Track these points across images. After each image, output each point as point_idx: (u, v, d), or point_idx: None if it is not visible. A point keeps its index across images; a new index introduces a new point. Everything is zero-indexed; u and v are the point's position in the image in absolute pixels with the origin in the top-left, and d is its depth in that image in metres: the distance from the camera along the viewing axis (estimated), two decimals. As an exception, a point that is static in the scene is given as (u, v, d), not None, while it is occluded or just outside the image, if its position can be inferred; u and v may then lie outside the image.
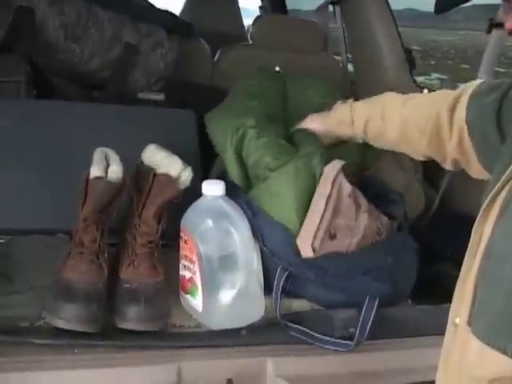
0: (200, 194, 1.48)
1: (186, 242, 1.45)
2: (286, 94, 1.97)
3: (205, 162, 1.89)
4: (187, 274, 1.46)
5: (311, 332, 1.43)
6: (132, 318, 1.37)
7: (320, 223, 1.49)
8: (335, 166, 1.54)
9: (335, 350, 1.41)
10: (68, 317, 1.32)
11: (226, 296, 1.43)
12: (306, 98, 1.95)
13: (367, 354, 1.42)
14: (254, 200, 1.59)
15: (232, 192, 1.54)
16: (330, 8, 3.06)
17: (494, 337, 0.90)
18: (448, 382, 1.01)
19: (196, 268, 1.43)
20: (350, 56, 3.08)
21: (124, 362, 1.33)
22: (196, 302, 1.45)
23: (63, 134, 1.83)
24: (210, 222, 1.44)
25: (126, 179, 1.48)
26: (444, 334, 1.07)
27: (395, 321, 1.50)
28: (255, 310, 1.47)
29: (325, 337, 1.42)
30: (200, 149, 1.93)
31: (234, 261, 1.43)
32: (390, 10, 2.79)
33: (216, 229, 1.44)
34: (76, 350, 1.33)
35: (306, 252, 1.48)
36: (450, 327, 1.04)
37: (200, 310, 1.45)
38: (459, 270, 1.72)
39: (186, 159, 1.55)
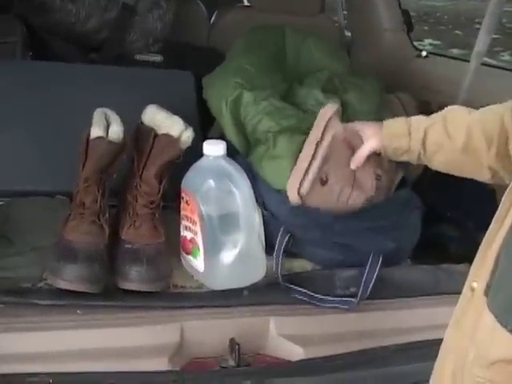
0: (200, 155, 1.48)
1: (187, 202, 1.45)
2: (286, 45, 1.95)
3: (202, 123, 1.88)
4: (188, 235, 1.46)
5: (313, 293, 1.43)
6: (134, 278, 1.37)
7: (308, 169, 1.47)
8: (329, 109, 1.51)
9: (339, 308, 1.41)
10: (70, 277, 1.32)
11: (228, 256, 1.43)
12: (306, 49, 1.93)
13: (368, 313, 1.43)
14: (253, 164, 1.59)
15: (231, 155, 1.53)
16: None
17: (508, 317, 0.87)
18: (459, 341, 0.98)
19: (197, 228, 1.43)
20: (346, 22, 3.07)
21: (126, 323, 1.33)
22: (197, 262, 1.45)
23: (61, 95, 1.82)
24: (211, 182, 1.43)
25: (126, 139, 1.47)
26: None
27: (396, 281, 1.50)
28: (257, 270, 1.47)
29: (326, 297, 1.42)
30: (198, 110, 1.92)
31: (236, 221, 1.43)
32: (388, -28, 2.78)
33: (217, 189, 1.43)
34: (78, 311, 1.33)
35: (293, 198, 1.47)
36: (466, 291, 1.00)
37: (201, 271, 1.45)
38: (458, 231, 1.73)
39: (185, 120, 1.54)
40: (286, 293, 1.44)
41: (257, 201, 1.52)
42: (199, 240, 1.43)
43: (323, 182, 1.49)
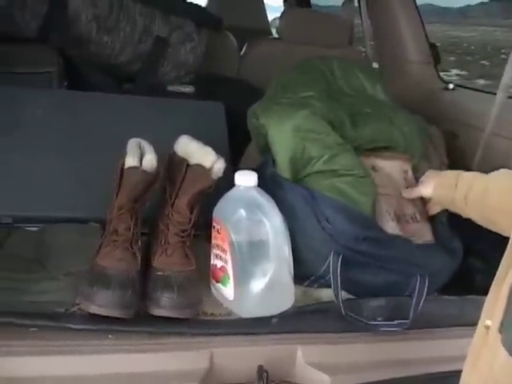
0: (231, 185, 1.50)
1: (218, 231, 1.48)
2: (336, 77, 1.98)
3: (233, 153, 1.91)
4: (219, 263, 1.49)
5: (366, 320, 1.46)
6: (165, 305, 1.39)
7: None
8: None
9: (392, 331, 1.46)
10: (103, 303, 1.35)
11: (257, 285, 1.45)
12: (354, 78, 1.97)
13: (395, 343, 1.44)
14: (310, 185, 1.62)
15: (275, 179, 1.59)
16: (356, 3, 3.08)
17: None
18: (477, 380, 0.99)
19: (228, 257, 1.45)
20: (374, 51, 3.10)
21: (157, 348, 1.35)
22: (227, 290, 1.47)
23: (95, 123, 1.87)
24: (242, 212, 1.45)
25: (159, 169, 1.50)
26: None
27: (422, 311, 1.51)
28: (285, 299, 1.49)
29: (379, 322, 1.46)
30: (228, 140, 1.96)
31: (266, 250, 1.45)
32: (416, 5, 2.81)
33: (248, 219, 1.45)
34: (110, 336, 1.35)
35: None
36: (480, 329, 1.01)
37: (231, 299, 1.47)
38: (485, 264, 1.74)
39: (216, 150, 1.57)
40: (314, 321, 1.46)
41: (317, 219, 1.54)
42: (229, 268, 1.46)
43: None
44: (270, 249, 1.45)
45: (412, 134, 1.85)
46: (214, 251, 1.50)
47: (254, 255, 1.45)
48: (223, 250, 1.46)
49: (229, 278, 1.46)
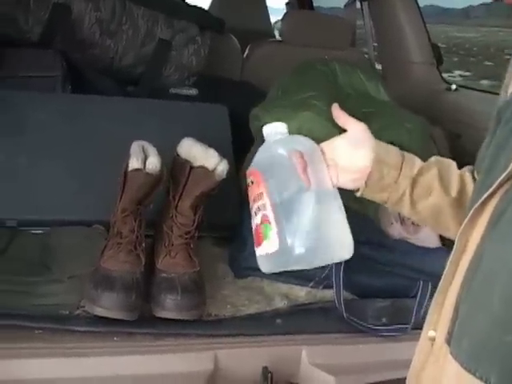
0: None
1: (252, 182, 1.17)
2: (338, 78, 1.98)
3: (237, 155, 1.91)
4: (259, 217, 1.15)
5: (368, 325, 1.46)
6: (169, 307, 1.40)
7: None
8: None
9: (394, 336, 1.45)
10: (107, 305, 1.36)
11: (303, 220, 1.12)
12: (356, 80, 1.97)
13: (400, 343, 1.44)
14: None
15: None
16: (358, 5, 3.08)
17: (477, 363, 0.81)
18: None
19: (265, 198, 1.15)
20: (377, 53, 3.11)
21: (161, 350, 1.35)
22: (270, 241, 1.13)
23: (99, 127, 1.87)
24: (269, 150, 1.20)
25: (163, 171, 1.51)
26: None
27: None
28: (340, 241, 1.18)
29: (380, 327, 1.46)
30: (232, 142, 1.96)
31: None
32: (418, 7, 2.82)
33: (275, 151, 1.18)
34: (115, 338, 1.36)
35: None
36: (423, 341, 0.96)
37: (276, 248, 1.12)
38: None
39: (219, 152, 1.57)
40: (319, 322, 1.46)
41: None
42: (269, 212, 1.14)
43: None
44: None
45: (416, 131, 1.85)
46: (254, 206, 1.17)
47: (290, 185, 1.15)
48: (260, 196, 1.16)
49: (270, 224, 1.14)
